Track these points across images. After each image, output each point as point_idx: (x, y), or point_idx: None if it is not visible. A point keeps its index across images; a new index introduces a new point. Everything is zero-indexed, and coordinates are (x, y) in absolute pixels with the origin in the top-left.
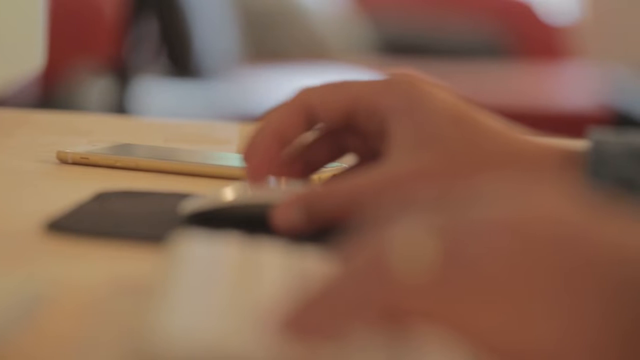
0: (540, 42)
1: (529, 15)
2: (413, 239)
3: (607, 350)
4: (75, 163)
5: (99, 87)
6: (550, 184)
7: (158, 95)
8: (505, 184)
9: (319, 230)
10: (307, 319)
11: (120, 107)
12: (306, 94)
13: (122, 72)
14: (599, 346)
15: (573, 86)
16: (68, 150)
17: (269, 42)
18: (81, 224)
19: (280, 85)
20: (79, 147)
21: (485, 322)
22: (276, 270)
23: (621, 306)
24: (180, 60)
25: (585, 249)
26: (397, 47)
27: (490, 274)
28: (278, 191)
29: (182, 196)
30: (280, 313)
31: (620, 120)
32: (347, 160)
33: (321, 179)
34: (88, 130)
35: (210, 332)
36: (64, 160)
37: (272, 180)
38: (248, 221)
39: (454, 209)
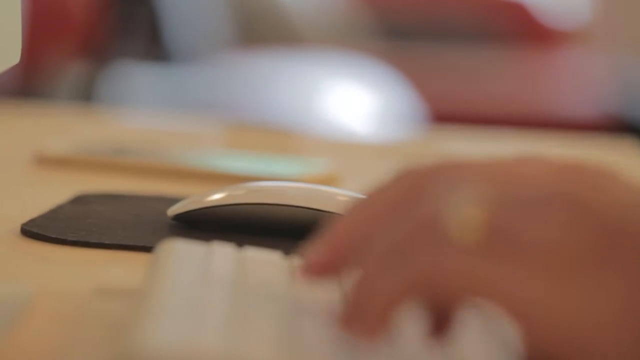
0: (542, 38)
1: (528, 10)
2: (465, 202)
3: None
4: (55, 163)
5: (77, 73)
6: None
7: (139, 81)
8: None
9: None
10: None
11: (98, 94)
12: (417, 180)
13: (101, 58)
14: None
15: (573, 82)
16: (47, 150)
17: (255, 28)
18: (58, 229)
19: (266, 72)
20: (59, 146)
21: (526, 292)
22: (265, 279)
23: None
24: (161, 45)
25: (633, 230)
26: (393, 33)
27: (537, 243)
28: (270, 191)
29: (163, 199)
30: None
31: (622, 124)
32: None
33: (304, 179)
34: (69, 128)
35: (195, 344)
36: (43, 161)
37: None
38: (235, 222)
39: (510, 180)
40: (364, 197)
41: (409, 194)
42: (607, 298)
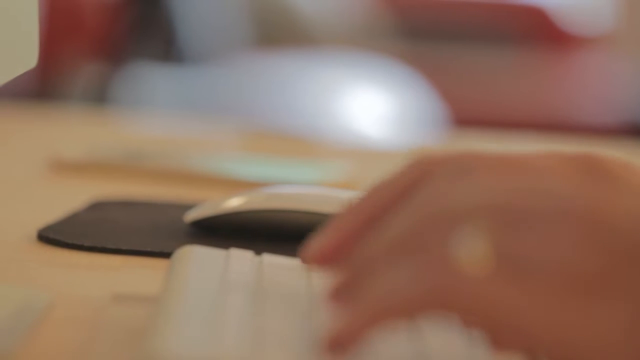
0: (562, 43)
1: (547, 15)
2: (472, 235)
3: None
4: (70, 169)
5: (92, 75)
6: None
7: (154, 82)
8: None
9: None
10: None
11: (114, 95)
12: (426, 168)
13: (117, 60)
14: None
15: (593, 87)
16: (63, 156)
17: (272, 30)
18: (75, 235)
19: (283, 74)
20: (75, 152)
21: (533, 312)
22: (283, 286)
23: None
24: (176, 47)
25: None
26: (412, 35)
27: (545, 264)
28: (288, 196)
29: (180, 205)
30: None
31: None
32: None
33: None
34: (84, 133)
35: (213, 350)
36: (59, 166)
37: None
38: (253, 228)
39: (519, 183)
40: (373, 187)
41: (417, 184)
42: (614, 321)
